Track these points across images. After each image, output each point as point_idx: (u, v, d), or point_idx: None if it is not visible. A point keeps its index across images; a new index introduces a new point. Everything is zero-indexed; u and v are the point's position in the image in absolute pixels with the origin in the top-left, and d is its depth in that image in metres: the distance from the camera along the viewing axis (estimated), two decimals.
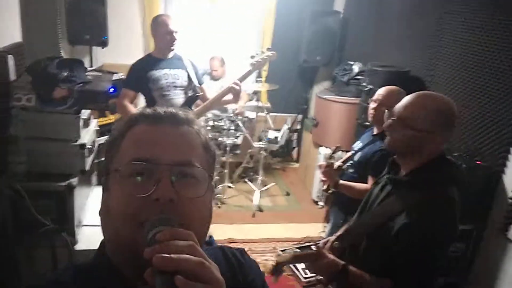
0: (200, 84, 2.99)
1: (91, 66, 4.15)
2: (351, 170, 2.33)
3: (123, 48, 4.49)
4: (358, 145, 2.38)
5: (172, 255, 0.49)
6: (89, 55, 4.30)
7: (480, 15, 2.66)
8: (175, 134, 0.67)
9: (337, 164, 2.22)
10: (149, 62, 2.82)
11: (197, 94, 2.93)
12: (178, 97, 2.85)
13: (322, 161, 2.47)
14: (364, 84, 3.51)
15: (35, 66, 2.05)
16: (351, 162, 2.34)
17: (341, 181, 2.16)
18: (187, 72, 2.88)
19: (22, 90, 1.99)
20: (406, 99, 1.43)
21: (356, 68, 4.03)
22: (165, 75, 2.79)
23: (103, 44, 4.13)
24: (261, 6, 4.72)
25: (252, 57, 2.86)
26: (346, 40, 4.69)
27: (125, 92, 2.71)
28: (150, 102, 2.85)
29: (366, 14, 4.33)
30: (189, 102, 2.87)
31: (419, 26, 3.35)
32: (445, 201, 1.35)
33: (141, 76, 2.75)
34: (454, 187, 1.39)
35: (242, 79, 2.82)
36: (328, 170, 2.15)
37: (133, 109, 2.77)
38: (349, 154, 2.35)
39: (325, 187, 2.29)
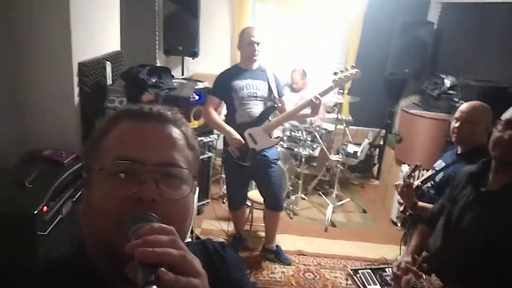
0: (280, 96, 3.02)
1: (182, 75, 4.46)
2: (432, 191, 2.17)
3: (212, 59, 4.75)
4: (440, 164, 2.22)
5: (154, 249, 0.49)
6: (181, 65, 4.63)
7: None
8: (161, 133, 0.65)
9: (415, 183, 2.08)
10: (234, 72, 2.93)
11: (276, 105, 2.97)
12: (257, 107, 2.92)
13: (400, 180, 2.31)
14: (456, 99, 3.27)
15: (128, 72, 2.28)
16: (432, 182, 2.17)
17: (420, 203, 2.04)
18: (269, 84, 2.94)
19: (116, 93, 2.22)
20: None
21: (448, 82, 3.74)
22: (247, 85, 2.87)
23: (194, 55, 4.43)
24: (348, 14, 4.65)
25: (335, 73, 2.84)
26: (439, 52, 4.40)
27: (211, 99, 2.88)
28: (231, 110, 2.96)
29: (463, 25, 4.04)
30: (266, 113, 2.93)
31: None
32: None
33: (225, 84, 2.87)
34: None
35: (323, 94, 2.81)
36: (406, 190, 2.04)
37: (216, 116, 2.91)
38: (429, 173, 2.19)
39: (402, 208, 2.16)
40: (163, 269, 0.48)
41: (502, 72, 3.20)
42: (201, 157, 3.31)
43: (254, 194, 3.35)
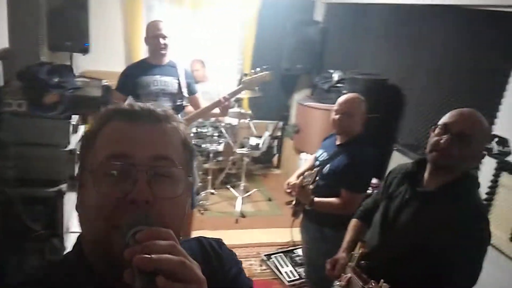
0: (193, 93, 2.97)
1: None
2: (321, 182, 2.22)
3: (105, 55, 4.47)
4: (322, 155, 2.32)
5: (152, 256, 0.48)
6: (70, 62, 4.26)
7: (459, 24, 2.83)
8: (153, 131, 0.64)
9: (310, 184, 2.14)
10: (141, 67, 2.81)
11: (184, 104, 2.92)
12: (165, 105, 2.85)
13: (293, 179, 2.35)
14: (344, 91, 3.62)
15: (25, 72, 2.05)
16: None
17: (316, 199, 2.12)
18: (179, 80, 2.87)
19: (13, 95, 1.99)
20: (463, 115, 1.41)
21: (336, 76, 4.16)
22: (154, 81, 2.77)
23: (85, 50, 4.11)
24: (243, 15, 4.81)
25: (245, 75, 2.88)
26: (326, 49, 4.83)
27: (116, 96, 2.72)
28: None
29: (346, 23, 4.48)
30: (175, 111, 2.88)
31: (398, 36, 3.52)
32: (481, 210, 1.43)
33: (131, 80, 2.74)
34: (478, 193, 1.47)
35: (232, 95, 2.82)
36: (303, 190, 2.12)
37: None
38: (315, 170, 2.20)
39: (294, 202, 2.25)
40: (161, 277, 0.47)
41: (382, 66, 3.67)
42: None
43: None
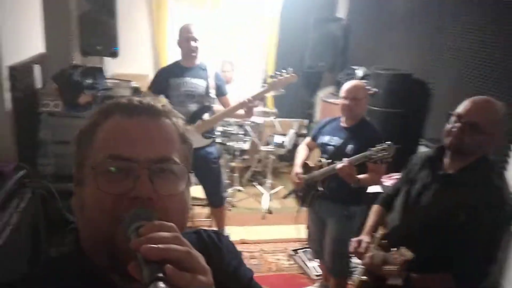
0: (224, 95, 3.02)
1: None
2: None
3: (133, 58, 4.62)
4: (333, 139, 2.42)
5: (159, 245, 0.48)
6: (101, 65, 4.43)
7: (483, 18, 2.78)
8: (153, 127, 0.64)
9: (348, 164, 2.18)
10: (173, 69, 2.91)
11: (210, 105, 2.97)
12: (193, 106, 2.90)
13: (299, 169, 2.56)
14: (368, 87, 3.61)
15: (60, 75, 2.18)
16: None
17: (359, 176, 2.20)
18: (207, 82, 2.92)
19: (49, 96, 2.12)
20: (475, 104, 1.48)
21: (360, 72, 4.14)
22: (184, 83, 2.85)
23: (114, 54, 4.27)
24: (265, 13, 4.86)
25: (272, 76, 2.89)
26: (349, 45, 4.82)
27: (147, 95, 2.82)
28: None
29: (369, 19, 4.46)
30: (200, 112, 2.92)
31: (420, 30, 3.48)
32: (499, 192, 1.45)
33: (163, 81, 2.85)
34: (498, 176, 1.51)
35: (257, 96, 2.85)
36: (349, 171, 2.16)
37: None
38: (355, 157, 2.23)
39: (295, 192, 2.39)
40: (169, 265, 0.47)
41: (406, 61, 3.64)
42: None
43: (193, 190, 3.39)
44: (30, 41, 2.34)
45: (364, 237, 1.80)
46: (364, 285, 1.71)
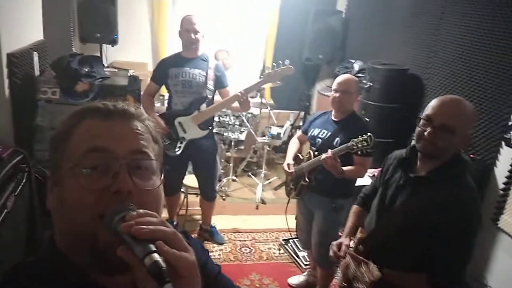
0: (224, 87, 3.03)
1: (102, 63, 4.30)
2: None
3: (132, 47, 4.64)
4: (322, 132, 2.47)
5: (149, 226, 0.54)
6: (100, 53, 4.45)
7: (477, 16, 2.81)
8: (127, 127, 0.67)
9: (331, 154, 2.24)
10: (174, 60, 2.92)
11: (208, 96, 2.97)
12: (191, 96, 2.92)
13: (290, 160, 2.60)
14: (364, 81, 3.64)
15: (58, 62, 2.21)
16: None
17: (344, 168, 2.24)
18: (207, 73, 2.93)
19: (47, 84, 2.15)
20: (444, 106, 1.44)
21: (356, 66, 4.16)
22: (183, 73, 2.87)
23: (113, 42, 4.29)
24: (265, 5, 4.87)
25: (267, 68, 2.91)
26: (348, 39, 4.82)
27: (149, 84, 2.87)
28: (170, 97, 2.98)
29: (367, 14, 4.47)
30: (196, 103, 2.93)
31: (418, 26, 3.50)
32: (470, 191, 1.45)
33: (163, 71, 2.87)
34: (469, 175, 1.49)
35: (250, 89, 2.85)
36: (335, 161, 2.21)
37: (145, 102, 2.92)
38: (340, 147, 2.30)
39: (285, 183, 2.39)
40: (160, 241, 0.52)
41: (402, 56, 3.66)
42: None
43: (189, 179, 3.42)
44: (30, 28, 2.36)
45: (344, 240, 1.80)
46: None
